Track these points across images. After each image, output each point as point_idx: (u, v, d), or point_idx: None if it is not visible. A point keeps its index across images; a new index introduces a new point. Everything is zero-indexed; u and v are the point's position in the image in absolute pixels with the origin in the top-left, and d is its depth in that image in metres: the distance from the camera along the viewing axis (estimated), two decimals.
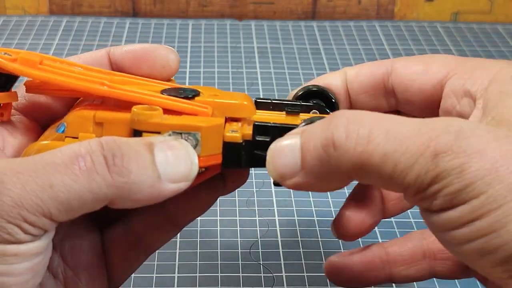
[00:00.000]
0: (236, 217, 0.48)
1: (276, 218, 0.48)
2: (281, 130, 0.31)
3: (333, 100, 0.35)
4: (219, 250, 0.45)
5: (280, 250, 0.45)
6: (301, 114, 0.33)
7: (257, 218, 0.48)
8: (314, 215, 0.49)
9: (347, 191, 0.51)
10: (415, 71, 0.34)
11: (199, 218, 0.48)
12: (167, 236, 0.35)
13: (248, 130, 0.31)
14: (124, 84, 0.32)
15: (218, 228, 0.47)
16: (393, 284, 0.43)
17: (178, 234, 0.46)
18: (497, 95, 0.30)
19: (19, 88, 0.33)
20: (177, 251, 0.45)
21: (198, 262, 0.44)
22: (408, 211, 0.49)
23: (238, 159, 0.31)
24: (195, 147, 0.30)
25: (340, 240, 0.46)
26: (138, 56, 0.34)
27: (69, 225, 0.33)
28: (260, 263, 0.44)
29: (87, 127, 0.31)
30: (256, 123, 0.31)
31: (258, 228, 0.47)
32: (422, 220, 0.49)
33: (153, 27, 0.77)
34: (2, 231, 0.26)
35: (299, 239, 0.46)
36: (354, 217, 0.34)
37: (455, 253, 0.26)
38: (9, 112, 0.33)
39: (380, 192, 0.35)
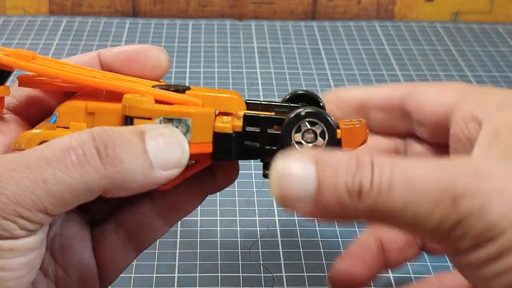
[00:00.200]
0: (236, 217, 0.48)
1: (276, 218, 0.48)
2: (271, 121, 0.32)
3: (321, 104, 0.36)
4: (219, 250, 0.45)
5: (280, 250, 0.45)
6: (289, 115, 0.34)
7: (257, 218, 0.48)
8: None
9: None
10: (430, 96, 0.34)
11: (199, 218, 0.48)
12: (158, 233, 0.35)
13: (238, 123, 0.32)
14: (116, 80, 0.32)
15: (218, 228, 0.47)
16: (393, 285, 0.43)
17: (178, 234, 0.46)
18: (509, 122, 0.30)
19: (11, 87, 0.34)
20: (177, 251, 0.45)
21: (198, 262, 0.44)
22: None
23: (228, 150, 0.31)
24: (185, 133, 0.30)
25: (340, 241, 0.46)
26: (129, 56, 0.34)
27: (59, 223, 0.33)
28: (260, 263, 0.44)
29: (79, 117, 0.31)
30: (247, 114, 0.32)
31: (258, 228, 0.47)
32: None
33: (153, 27, 0.77)
34: None
35: (299, 239, 0.46)
36: (348, 270, 0.34)
37: None
38: (1, 108, 0.33)
39: (379, 243, 0.35)
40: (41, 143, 0.30)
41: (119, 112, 0.30)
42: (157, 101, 0.31)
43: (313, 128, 0.31)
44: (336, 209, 0.26)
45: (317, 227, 0.47)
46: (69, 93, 0.34)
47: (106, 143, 0.27)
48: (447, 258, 0.43)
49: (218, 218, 0.48)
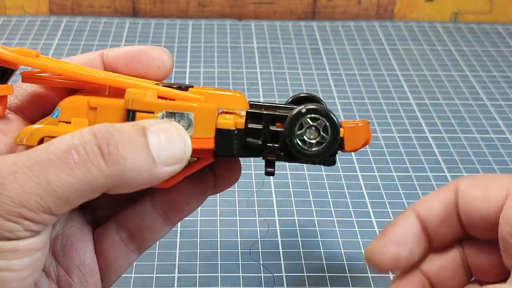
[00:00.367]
0: (236, 217, 0.48)
1: (276, 218, 0.48)
2: (274, 119, 0.32)
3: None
4: (219, 250, 0.45)
5: (280, 250, 0.45)
6: None
7: (257, 218, 0.48)
8: (314, 215, 0.49)
9: (347, 190, 0.51)
10: (476, 197, 0.33)
11: (199, 218, 0.48)
12: (159, 233, 0.35)
13: (241, 120, 0.32)
14: (119, 78, 0.33)
15: (218, 228, 0.47)
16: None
17: (178, 234, 0.46)
18: None
19: (14, 86, 0.34)
20: (177, 251, 0.45)
21: (198, 262, 0.44)
22: None
23: (230, 147, 0.31)
24: (187, 127, 0.30)
25: (340, 240, 0.46)
26: (133, 57, 0.34)
27: (61, 224, 0.33)
28: (260, 263, 0.44)
29: (81, 111, 0.31)
30: (249, 111, 0.32)
31: (258, 228, 0.47)
32: None
33: (153, 27, 0.77)
34: (2, 229, 0.26)
35: (299, 239, 0.46)
36: (393, 252, 0.32)
37: None
38: (4, 107, 0.33)
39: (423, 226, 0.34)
40: (42, 138, 0.30)
41: (121, 107, 0.30)
42: (160, 97, 0.31)
43: (315, 124, 0.31)
44: None
45: (317, 227, 0.47)
46: (71, 91, 0.34)
47: (108, 141, 0.27)
48: None
49: (218, 218, 0.48)
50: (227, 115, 0.32)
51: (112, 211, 0.35)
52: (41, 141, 0.30)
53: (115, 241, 0.34)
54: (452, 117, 0.61)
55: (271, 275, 0.43)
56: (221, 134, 0.31)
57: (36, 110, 0.34)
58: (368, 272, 0.43)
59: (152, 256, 0.44)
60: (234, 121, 0.31)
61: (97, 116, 0.31)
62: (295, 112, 0.31)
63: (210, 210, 0.49)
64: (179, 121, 0.30)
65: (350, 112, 0.61)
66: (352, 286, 0.42)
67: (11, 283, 0.27)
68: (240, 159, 0.35)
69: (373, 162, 0.55)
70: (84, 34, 0.75)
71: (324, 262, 0.44)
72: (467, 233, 0.34)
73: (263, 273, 0.43)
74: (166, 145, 0.28)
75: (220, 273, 0.43)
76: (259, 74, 0.68)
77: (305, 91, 0.36)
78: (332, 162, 0.33)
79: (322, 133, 0.31)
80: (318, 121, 0.31)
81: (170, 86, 0.32)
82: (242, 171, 0.36)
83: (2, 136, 0.32)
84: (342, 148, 0.32)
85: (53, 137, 0.28)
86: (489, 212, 0.32)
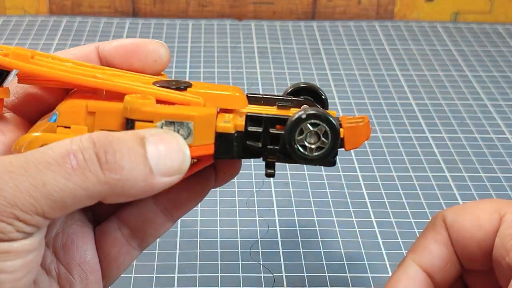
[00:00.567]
0: (236, 217, 0.48)
1: (276, 218, 0.48)
2: (274, 122, 0.32)
3: (323, 97, 0.35)
4: (219, 250, 0.45)
5: (280, 250, 0.45)
6: (291, 108, 0.34)
7: (257, 218, 0.48)
8: (314, 215, 0.48)
9: (347, 190, 0.51)
10: (468, 227, 0.32)
11: (199, 218, 0.48)
12: (161, 229, 0.35)
13: (240, 121, 0.31)
14: (116, 76, 0.32)
15: (218, 228, 0.47)
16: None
17: (178, 234, 0.46)
18: None
19: (10, 84, 0.33)
20: (177, 251, 0.45)
21: (198, 262, 0.44)
22: (408, 210, 0.49)
23: (230, 150, 0.31)
24: (187, 136, 0.30)
25: (340, 240, 0.46)
26: (129, 51, 0.34)
27: (61, 221, 0.33)
28: (260, 263, 0.44)
29: (79, 116, 0.31)
30: (249, 114, 0.32)
31: (258, 228, 0.47)
32: (421, 220, 0.49)
33: (153, 27, 0.77)
34: None
35: (299, 239, 0.46)
36: None
37: None
38: (1, 108, 0.33)
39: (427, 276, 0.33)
40: (41, 146, 0.30)
41: (120, 111, 0.30)
42: (158, 101, 0.31)
43: (316, 129, 0.31)
44: None
45: (317, 227, 0.47)
46: (68, 89, 0.34)
47: (106, 149, 0.27)
48: None
49: (218, 218, 0.48)
50: (226, 116, 0.32)
51: (113, 208, 0.35)
52: None
53: (117, 238, 0.34)
54: (452, 117, 0.61)
55: (271, 275, 0.43)
56: (221, 138, 0.31)
57: (33, 108, 0.34)
58: (368, 272, 0.44)
59: (152, 256, 0.44)
60: (233, 124, 0.31)
61: (95, 120, 0.31)
62: (295, 117, 0.31)
63: (210, 210, 0.49)
64: (178, 130, 0.30)
65: (350, 112, 0.61)
66: (352, 286, 0.42)
67: (5, 284, 0.26)
68: None
69: (373, 162, 0.55)
70: (84, 34, 0.75)
71: (324, 262, 0.44)
72: (465, 268, 0.33)
73: (263, 273, 0.43)
74: (164, 156, 0.28)
75: (220, 273, 0.43)
76: (259, 74, 0.68)
77: (303, 81, 0.36)
78: (333, 163, 0.33)
79: (322, 138, 0.31)
80: (319, 127, 0.31)
81: (168, 86, 0.32)
82: (242, 171, 0.36)
83: (0, 135, 0.32)
84: (342, 147, 0.32)
85: None
86: (486, 238, 0.32)
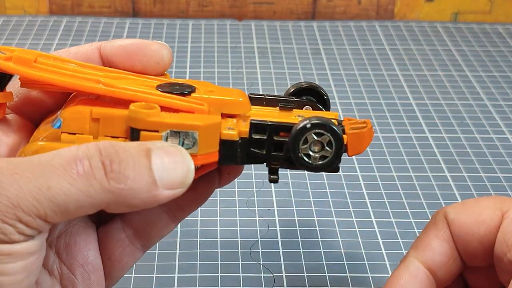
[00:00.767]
0: (236, 217, 0.48)
1: (276, 218, 0.48)
2: (278, 129, 0.32)
3: (325, 97, 0.36)
4: (219, 250, 0.45)
5: (280, 250, 0.45)
6: (294, 110, 0.34)
7: (257, 218, 0.48)
8: (314, 215, 0.49)
9: (347, 190, 0.51)
10: (470, 223, 0.32)
11: (199, 218, 0.48)
12: (165, 230, 0.35)
13: (244, 127, 0.31)
14: (119, 80, 0.32)
15: (218, 228, 0.47)
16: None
17: (178, 234, 0.46)
18: None
19: (12, 84, 0.33)
20: (177, 251, 0.45)
21: (198, 262, 0.44)
22: (408, 210, 0.49)
23: (234, 156, 0.31)
24: (192, 145, 0.30)
25: (340, 240, 0.46)
26: (131, 52, 0.34)
27: (64, 222, 0.33)
28: (260, 263, 0.44)
29: (84, 122, 0.31)
30: (253, 121, 0.32)
31: (258, 228, 0.47)
32: (421, 220, 0.49)
33: (153, 27, 0.77)
34: None
35: (299, 239, 0.46)
36: None
37: None
38: (4, 111, 0.33)
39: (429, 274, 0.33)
40: None
41: (124, 118, 0.30)
42: (163, 108, 0.30)
43: (320, 139, 0.31)
44: None
45: (317, 227, 0.47)
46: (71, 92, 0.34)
47: (112, 158, 0.27)
48: None
49: (218, 218, 0.48)
50: (230, 121, 0.32)
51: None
52: None
53: (121, 239, 0.34)
54: (452, 117, 0.61)
55: (271, 275, 0.43)
56: (225, 144, 0.31)
57: (35, 108, 0.34)
58: (368, 272, 0.44)
59: (152, 256, 0.44)
60: (237, 131, 0.31)
61: (100, 127, 0.31)
62: (300, 126, 0.31)
63: (210, 210, 0.49)
64: (183, 140, 0.30)
65: (350, 112, 0.61)
66: (352, 286, 0.42)
67: (5, 286, 0.26)
68: None
69: (373, 162, 0.55)
70: (84, 34, 0.75)
71: (324, 262, 0.44)
72: (466, 264, 0.33)
73: (263, 273, 0.43)
74: (169, 169, 0.28)
75: (220, 273, 0.43)
76: (259, 74, 0.68)
77: (305, 81, 0.36)
78: (336, 170, 0.33)
79: (326, 148, 0.31)
80: (323, 136, 0.31)
81: (171, 91, 0.32)
82: (242, 172, 0.36)
83: (4, 136, 0.32)
84: (345, 152, 0.32)
85: None
86: (487, 235, 0.32)
